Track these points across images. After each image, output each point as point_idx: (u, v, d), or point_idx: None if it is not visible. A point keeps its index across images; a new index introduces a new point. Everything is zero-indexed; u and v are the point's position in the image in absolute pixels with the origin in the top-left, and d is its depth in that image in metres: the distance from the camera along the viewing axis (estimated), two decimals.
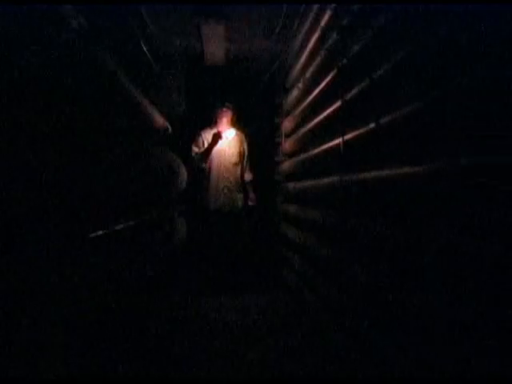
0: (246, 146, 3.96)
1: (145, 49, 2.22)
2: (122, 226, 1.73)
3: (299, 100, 3.15)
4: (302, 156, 3.04)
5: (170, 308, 3.07)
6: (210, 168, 3.80)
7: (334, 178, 2.23)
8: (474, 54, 1.10)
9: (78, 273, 1.24)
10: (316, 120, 2.62)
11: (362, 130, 1.82)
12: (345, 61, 2.01)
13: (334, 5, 2.21)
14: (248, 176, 3.96)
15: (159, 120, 2.78)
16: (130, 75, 1.87)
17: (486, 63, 1.05)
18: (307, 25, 2.85)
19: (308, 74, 2.84)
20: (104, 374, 1.49)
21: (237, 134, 3.91)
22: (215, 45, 3.68)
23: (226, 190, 3.78)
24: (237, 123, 3.93)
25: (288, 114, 3.68)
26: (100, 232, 1.44)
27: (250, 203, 3.91)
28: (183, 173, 3.59)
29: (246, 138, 3.98)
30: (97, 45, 1.45)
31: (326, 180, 2.42)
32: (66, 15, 1.19)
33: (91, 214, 1.38)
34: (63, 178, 1.15)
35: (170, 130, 3.14)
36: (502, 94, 0.99)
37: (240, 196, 3.88)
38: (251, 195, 3.94)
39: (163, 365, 2.13)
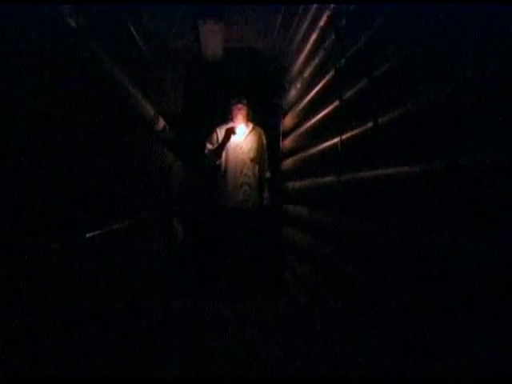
0: (264, 142, 3.81)
1: (141, 45, 2.20)
2: (117, 226, 1.71)
3: (298, 99, 3.14)
4: (302, 155, 3.03)
5: (168, 310, 3.03)
6: (225, 165, 3.64)
7: (333, 178, 2.23)
8: (472, 53, 1.10)
9: (74, 273, 1.24)
10: (315, 119, 2.61)
11: (360, 129, 1.82)
12: (343, 61, 2.01)
13: (332, 5, 2.21)
14: (266, 173, 3.82)
15: (157, 119, 2.76)
16: (125, 71, 1.85)
17: (485, 62, 1.04)
18: (306, 24, 2.85)
19: (307, 73, 2.84)
20: (99, 374, 1.48)
21: (255, 129, 3.77)
22: (213, 44, 3.65)
23: (245, 187, 3.62)
24: (254, 119, 3.79)
25: (287, 112, 3.66)
26: (96, 232, 1.43)
27: (264, 202, 3.76)
28: (180, 172, 3.54)
29: (264, 133, 3.83)
30: (93, 42, 1.43)
31: (324, 179, 2.42)
32: (64, 14, 1.18)
33: (86, 214, 1.37)
34: (59, 177, 1.15)
35: (167, 128, 3.12)
36: (502, 94, 0.99)
37: (258, 193, 3.72)
38: (266, 194, 3.78)
39: (160, 366, 2.12)
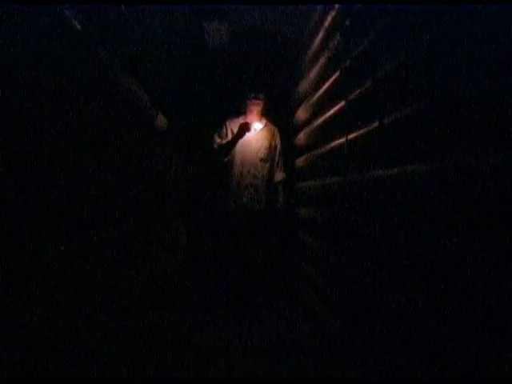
0: (278, 141, 3.49)
1: (147, 46, 2.14)
2: (115, 230, 1.65)
3: (309, 95, 3.10)
4: (315, 153, 2.96)
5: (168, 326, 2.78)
6: (231, 163, 3.33)
7: (344, 178, 2.21)
8: (476, 54, 1.09)
9: (76, 275, 1.22)
10: (327, 116, 2.58)
11: (367, 128, 1.82)
12: (348, 62, 2.00)
13: (337, 5, 2.20)
14: (279, 175, 3.49)
15: (162, 118, 2.70)
16: (129, 71, 1.79)
17: (488, 63, 1.03)
18: (312, 24, 2.84)
19: (315, 71, 2.82)
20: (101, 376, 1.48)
21: (267, 127, 3.46)
22: (219, 42, 3.64)
23: (250, 189, 3.32)
24: (268, 115, 3.48)
25: (297, 111, 3.62)
26: (99, 236, 1.41)
27: (278, 206, 3.45)
28: (179, 169, 3.39)
29: (279, 131, 3.52)
30: (91, 33, 1.37)
31: (336, 179, 2.40)
32: (67, 13, 1.17)
33: (89, 216, 1.35)
34: (55, 179, 1.12)
35: (172, 128, 3.04)
36: (503, 94, 0.98)
37: (267, 198, 3.40)
38: (280, 198, 3.47)
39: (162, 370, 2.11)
